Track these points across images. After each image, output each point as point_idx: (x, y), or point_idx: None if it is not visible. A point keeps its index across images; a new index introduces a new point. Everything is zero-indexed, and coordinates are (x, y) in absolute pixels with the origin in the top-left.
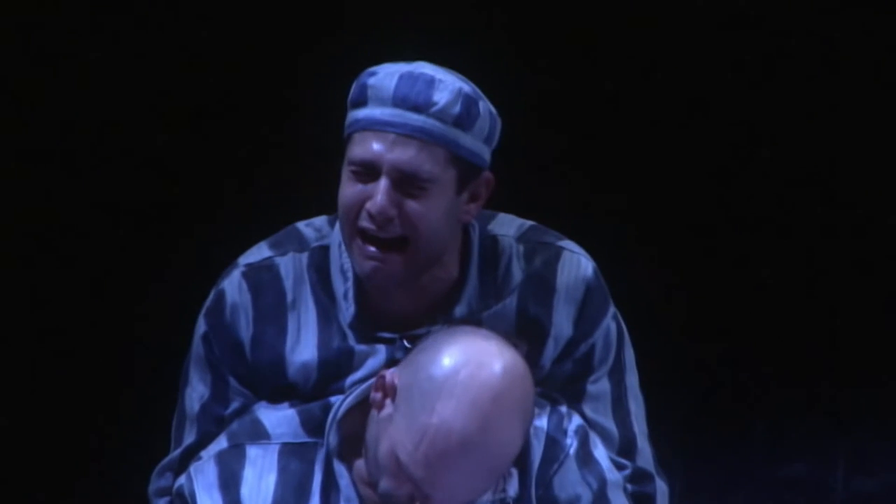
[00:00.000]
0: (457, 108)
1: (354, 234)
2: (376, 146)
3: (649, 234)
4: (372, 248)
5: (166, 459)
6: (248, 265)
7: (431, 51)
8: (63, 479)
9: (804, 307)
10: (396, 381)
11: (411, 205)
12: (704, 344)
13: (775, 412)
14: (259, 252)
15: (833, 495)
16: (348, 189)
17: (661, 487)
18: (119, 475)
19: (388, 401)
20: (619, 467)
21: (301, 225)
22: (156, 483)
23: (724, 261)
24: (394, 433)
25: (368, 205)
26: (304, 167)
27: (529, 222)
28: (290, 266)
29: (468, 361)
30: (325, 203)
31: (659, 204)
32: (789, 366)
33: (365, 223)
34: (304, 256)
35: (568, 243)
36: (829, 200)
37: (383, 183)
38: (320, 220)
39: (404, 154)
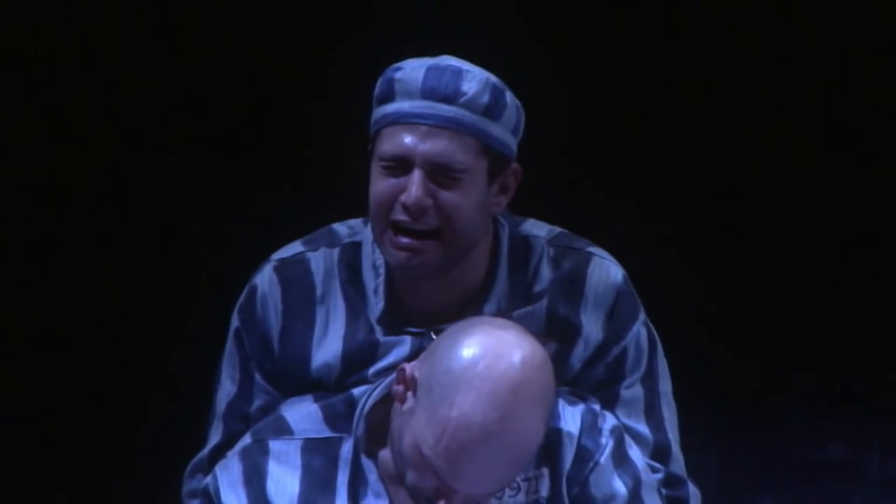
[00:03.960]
0: (486, 98)
1: (387, 227)
2: (408, 139)
3: (667, 222)
4: (405, 239)
5: (195, 459)
6: (280, 260)
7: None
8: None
9: (840, 293)
10: (417, 373)
11: (445, 195)
12: (741, 329)
13: (811, 396)
14: (291, 248)
15: (868, 478)
16: (380, 184)
17: (695, 492)
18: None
19: (409, 393)
20: (653, 470)
21: (335, 224)
22: (187, 485)
23: (761, 246)
24: (416, 426)
25: (403, 197)
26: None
27: (559, 228)
28: (321, 261)
29: (486, 353)
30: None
31: (679, 195)
32: (825, 350)
33: (399, 216)
34: (336, 252)
35: (598, 250)
36: (859, 197)
37: (417, 174)
38: (354, 221)
39: (437, 145)
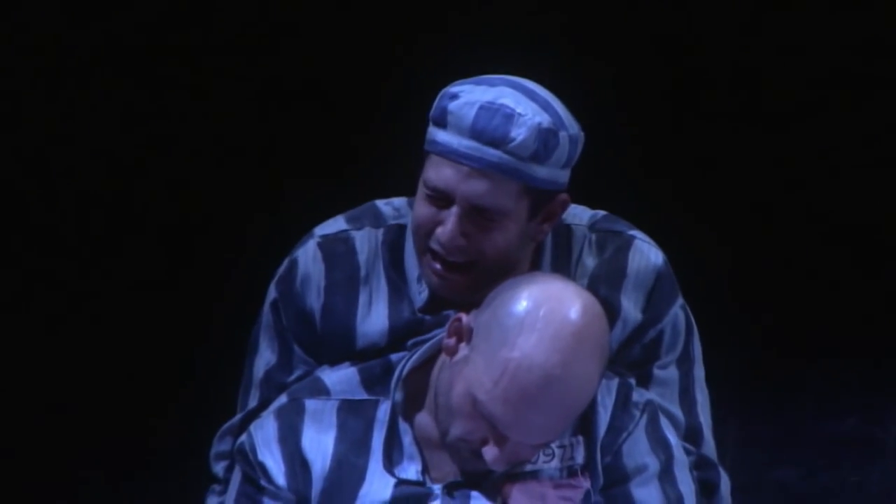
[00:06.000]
0: (534, 144)
1: (425, 250)
2: (450, 176)
3: (683, 191)
4: (439, 266)
5: (227, 424)
6: (324, 236)
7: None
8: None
9: (857, 269)
10: (472, 322)
11: (481, 234)
12: (759, 303)
13: (828, 369)
14: (336, 224)
15: (885, 451)
16: (422, 209)
17: (725, 478)
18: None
19: (462, 345)
20: (685, 451)
21: (380, 202)
22: (216, 447)
23: (780, 223)
24: (470, 373)
25: (439, 231)
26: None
27: (602, 212)
28: (366, 241)
29: (549, 298)
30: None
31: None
32: (842, 323)
33: (435, 245)
34: (380, 233)
35: (639, 233)
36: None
37: (454, 212)
38: (399, 201)
39: (477, 188)
